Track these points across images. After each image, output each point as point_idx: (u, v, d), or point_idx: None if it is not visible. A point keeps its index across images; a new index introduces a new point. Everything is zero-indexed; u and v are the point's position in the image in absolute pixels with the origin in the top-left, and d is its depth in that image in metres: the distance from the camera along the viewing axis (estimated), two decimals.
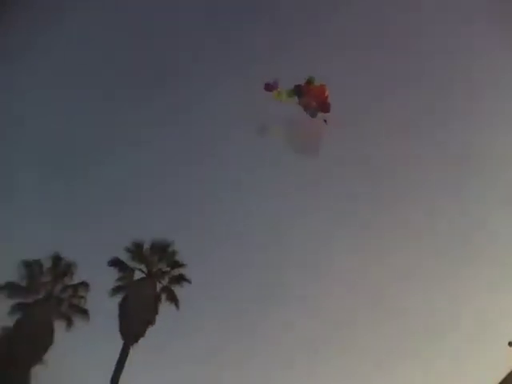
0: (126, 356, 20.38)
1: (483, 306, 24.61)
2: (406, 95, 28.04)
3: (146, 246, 22.18)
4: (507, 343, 17.65)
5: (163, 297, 21.51)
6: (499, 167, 26.47)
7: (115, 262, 21.73)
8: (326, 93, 10.06)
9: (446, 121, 27.53)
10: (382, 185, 28.41)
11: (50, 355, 20.30)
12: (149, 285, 21.58)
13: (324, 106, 10.04)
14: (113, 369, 20.05)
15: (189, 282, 21.70)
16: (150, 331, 20.82)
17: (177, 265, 22.08)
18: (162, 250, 22.15)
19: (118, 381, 19.97)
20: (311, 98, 9.96)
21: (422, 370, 22.67)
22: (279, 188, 24.68)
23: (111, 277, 21.54)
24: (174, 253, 22.19)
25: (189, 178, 27.22)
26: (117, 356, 20.29)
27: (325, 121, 10.03)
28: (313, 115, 10.07)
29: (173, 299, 21.41)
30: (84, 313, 20.98)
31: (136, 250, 21.99)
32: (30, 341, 19.81)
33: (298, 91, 10.11)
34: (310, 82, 10.13)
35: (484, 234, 26.79)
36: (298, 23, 26.66)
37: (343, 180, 26.30)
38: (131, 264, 21.95)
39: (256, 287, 26.82)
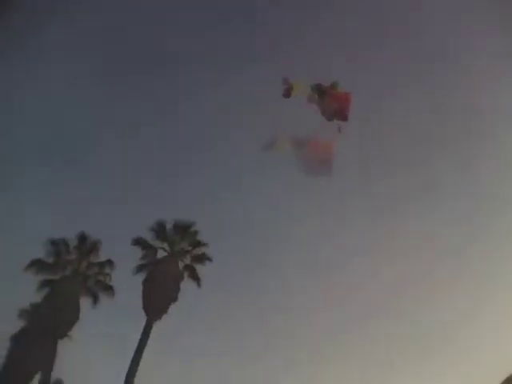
0: (149, 332, 20.85)
1: (493, 307, 24.39)
2: (406, 95, 27.91)
3: (169, 226, 22.70)
4: None
5: (185, 275, 21.99)
6: (504, 167, 26.16)
7: (139, 241, 22.24)
8: (351, 102, 9.86)
9: (447, 120, 27.34)
10: (390, 187, 28.22)
11: (76, 330, 20.97)
12: (171, 263, 22.02)
13: (343, 114, 9.78)
14: (136, 344, 20.62)
15: (210, 260, 22.16)
16: (173, 308, 21.29)
17: (199, 244, 22.51)
18: (185, 230, 22.57)
19: (141, 356, 20.44)
20: (334, 102, 9.75)
21: (429, 369, 22.67)
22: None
23: (135, 255, 22.16)
24: (195, 232, 22.60)
25: (210, 161, 27.51)
26: (140, 332, 20.86)
27: (339, 129, 9.79)
28: (329, 119, 9.81)
29: (195, 277, 21.86)
30: (109, 289, 21.50)
31: (159, 230, 22.45)
32: (57, 316, 20.41)
33: (319, 90, 9.87)
34: (334, 86, 9.94)
35: (495, 233, 26.51)
36: (299, 22, 26.67)
37: (351, 181, 26.12)
38: (154, 243, 22.47)
39: (274, 275, 27.02)
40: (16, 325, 21.38)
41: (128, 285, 22.09)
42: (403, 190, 28.20)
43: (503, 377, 16.74)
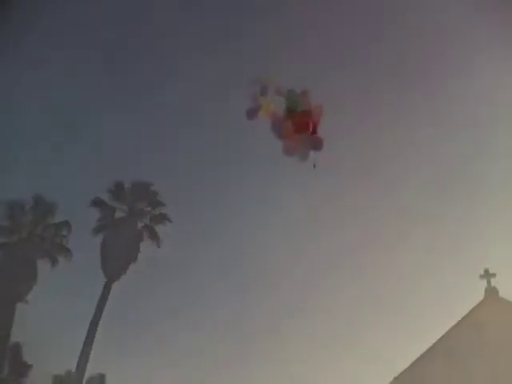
0: (108, 293, 20.57)
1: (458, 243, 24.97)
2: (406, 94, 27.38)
3: (127, 187, 22.18)
4: (478, 276, 18.01)
5: (145, 235, 21.65)
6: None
7: (97, 202, 21.79)
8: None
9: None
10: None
11: (33, 293, 20.50)
12: (130, 223, 21.65)
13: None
14: (95, 305, 20.34)
15: (169, 221, 21.80)
16: (132, 269, 20.98)
17: (158, 204, 22.12)
18: (143, 190, 22.10)
19: (100, 317, 20.21)
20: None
21: (405, 303, 23.17)
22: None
23: (93, 217, 21.68)
24: (154, 193, 22.18)
25: (173, 122, 26.85)
26: (99, 293, 20.56)
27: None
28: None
29: (154, 237, 21.54)
30: (67, 251, 21.04)
31: (117, 191, 21.99)
32: (14, 279, 19.91)
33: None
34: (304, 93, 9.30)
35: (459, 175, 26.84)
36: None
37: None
38: (112, 204, 22.03)
39: (241, 230, 26.90)
40: None
41: (86, 246, 21.72)
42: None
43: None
